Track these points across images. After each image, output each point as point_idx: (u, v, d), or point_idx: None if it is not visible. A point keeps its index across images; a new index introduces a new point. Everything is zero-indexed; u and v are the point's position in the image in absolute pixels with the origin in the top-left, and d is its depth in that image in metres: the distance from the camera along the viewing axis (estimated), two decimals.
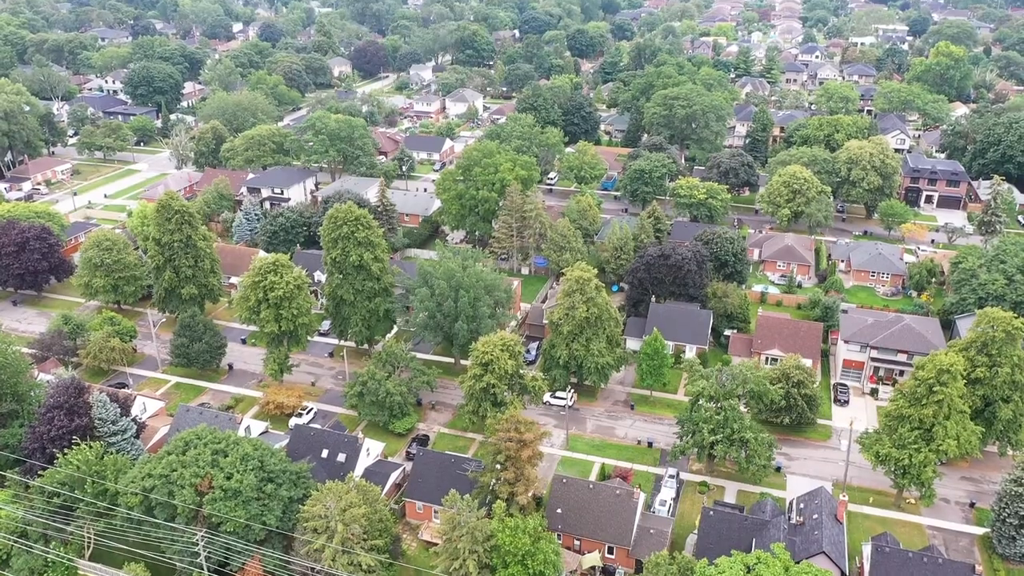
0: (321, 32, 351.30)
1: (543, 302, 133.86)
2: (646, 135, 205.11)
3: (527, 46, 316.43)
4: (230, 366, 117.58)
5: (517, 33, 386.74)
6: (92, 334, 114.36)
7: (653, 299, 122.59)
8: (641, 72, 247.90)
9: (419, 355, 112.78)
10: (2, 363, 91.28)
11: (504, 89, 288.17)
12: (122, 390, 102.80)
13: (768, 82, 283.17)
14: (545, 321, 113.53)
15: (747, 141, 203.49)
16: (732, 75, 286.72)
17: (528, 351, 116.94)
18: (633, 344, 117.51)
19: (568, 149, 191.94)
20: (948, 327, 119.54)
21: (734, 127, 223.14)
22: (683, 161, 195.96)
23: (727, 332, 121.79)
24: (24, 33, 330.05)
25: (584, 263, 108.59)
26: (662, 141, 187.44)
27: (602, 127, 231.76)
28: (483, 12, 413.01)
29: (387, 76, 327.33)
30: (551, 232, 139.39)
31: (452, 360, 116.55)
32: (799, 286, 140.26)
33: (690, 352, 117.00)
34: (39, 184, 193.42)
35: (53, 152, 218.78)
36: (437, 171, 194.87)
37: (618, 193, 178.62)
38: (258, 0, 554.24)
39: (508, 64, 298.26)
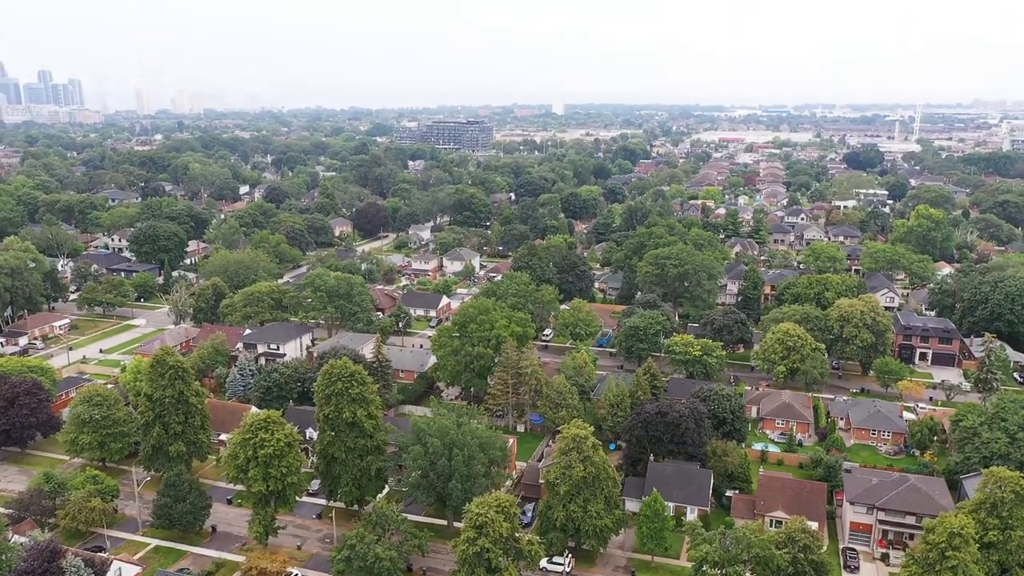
0: (324, 194, 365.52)
1: (539, 460, 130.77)
2: (640, 293, 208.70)
3: (523, 208, 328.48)
4: (213, 528, 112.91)
5: (513, 196, 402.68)
6: (73, 493, 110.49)
7: (652, 458, 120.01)
8: (633, 232, 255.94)
9: (411, 516, 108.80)
10: None
11: (500, 248, 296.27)
12: (98, 554, 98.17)
13: (756, 242, 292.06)
14: (541, 481, 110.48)
15: (739, 299, 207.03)
16: (722, 236, 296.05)
17: (524, 512, 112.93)
18: (632, 505, 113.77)
19: (563, 306, 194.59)
20: (954, 487, 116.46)
21: (725, 285, 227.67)
22: (677, 318, 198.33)
23: (728, 493, 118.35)
24: (38, 194, 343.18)
25: (580, 420, 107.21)
26: (656, 299, 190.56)
27: (596, 285, 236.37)
28: (481, 176, 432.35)
29: (387, 236, 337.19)
30: (547, 389, 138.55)
31: (445, 522, 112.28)
32: (799, 445, 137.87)
33: (691, 514, 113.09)
34: (36, 339, 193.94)
35: (53, 307, 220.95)
36: (433, 327, 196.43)
37: (613, 350, 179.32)
38: (265, 165, 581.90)
39: (504, 225, 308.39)
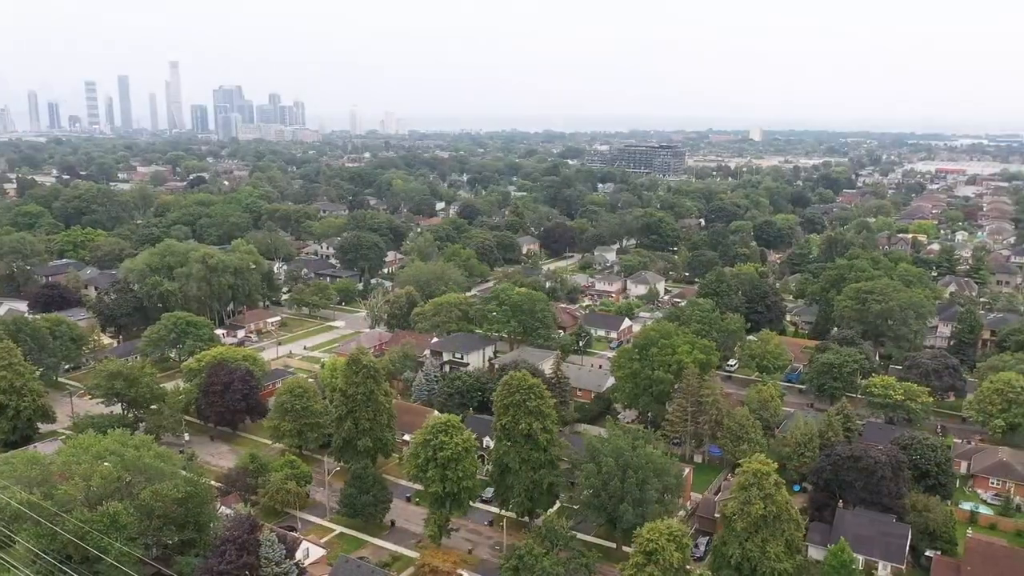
0: (514, 213, 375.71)
1: (716, 494, 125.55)
2: (836, 328, 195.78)
3: (712, 234, 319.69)
4: (392, 522, 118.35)
5: (703, 221, 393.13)
6: (272, 475, 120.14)
7: (840, 504, 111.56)
8: (832, 264, 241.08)
9: (580, 535, 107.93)
10: (192, 492, 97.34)
11: (687, 274, 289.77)
12: (290, 533, 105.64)
13: (976, 282, 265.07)
14: (717, 515, 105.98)
15: (951, 343, 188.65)
16: (934, 273, 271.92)
17: (697, 546, 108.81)
18: (815, 553, 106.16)
19: (750, 337, 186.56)
20: None
21: (936, 327, 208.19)
22: (877, 358, 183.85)
23: (929, 553, 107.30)
24: (262, 203, 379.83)
25: (763, 456, 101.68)
26: (854, 335, 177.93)
27: (788, 317, 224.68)
28: (670, 200, 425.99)
29: (572, 256, 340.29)
30: (728, 420, 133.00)
31: (614, 544, 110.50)
32: (1017, 509, 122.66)
33: (883, 570, 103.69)
34: (251, 332, 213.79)
35: (268, 305, 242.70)
36: (613, 349, 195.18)
37: (803, 386, 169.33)
38: (461, 183, 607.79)
39: (692, 250, 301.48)
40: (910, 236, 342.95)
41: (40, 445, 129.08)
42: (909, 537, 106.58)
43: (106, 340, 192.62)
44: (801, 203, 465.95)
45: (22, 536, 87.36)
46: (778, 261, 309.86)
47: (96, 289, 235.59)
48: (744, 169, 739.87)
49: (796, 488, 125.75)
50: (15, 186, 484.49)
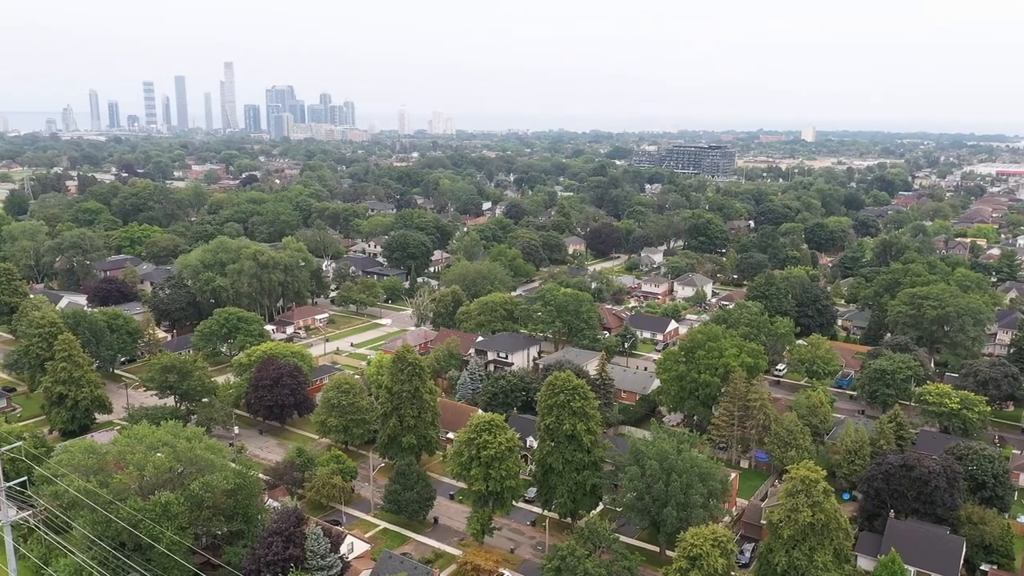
0: (561, 213, 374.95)
1: (762, 500, 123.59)
2: (889, 334, 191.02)
3: (762, 236, 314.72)
4: (436, 519, 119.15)
5: (752, 223, 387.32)
6: (319, 469, 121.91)
7: (892, 514, 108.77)
8: (886, 268, 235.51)
9: (623, 537, 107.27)
10: (241, 485, 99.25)
11: (735, 276, 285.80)
12: (335, 527, 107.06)
13: None
14: (763, 521, 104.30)
15: (1011, 351, 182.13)
16: (994, 278, 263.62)
17: (742, 552, 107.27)
18: (865, 563, 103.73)
19: (800, 341, 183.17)
20: None
21: (995, 334, 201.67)
22: (932, 365, 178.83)
23: (984, 567, 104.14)
24: (311, 201, 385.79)
25: (812, 463, 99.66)
26: (907, 341, 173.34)
27: (839, 322, 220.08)
28: (719, 202, 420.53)
29: (618, 257, 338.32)
30: (776, 426, 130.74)
31: (657, 548, 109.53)
32: None
33: None
34: (300, 329, 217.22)
35: (316, 302, 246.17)
36: (659, 351, 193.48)
37: (854, 393, 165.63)
38: (507, 183, 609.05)
39: (741, 252, 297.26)
40: (968, 240, 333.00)
41: (97, 435, 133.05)
42: (963, 550, 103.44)
43: (160, 334, 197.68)
44: (854, 205, 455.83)
45: (79, 522, 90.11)
46: (830, 264, 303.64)
47: (151, 284, 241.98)
48: (795, 170, 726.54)
49: (846, 496, 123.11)
50: (76, 183, 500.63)
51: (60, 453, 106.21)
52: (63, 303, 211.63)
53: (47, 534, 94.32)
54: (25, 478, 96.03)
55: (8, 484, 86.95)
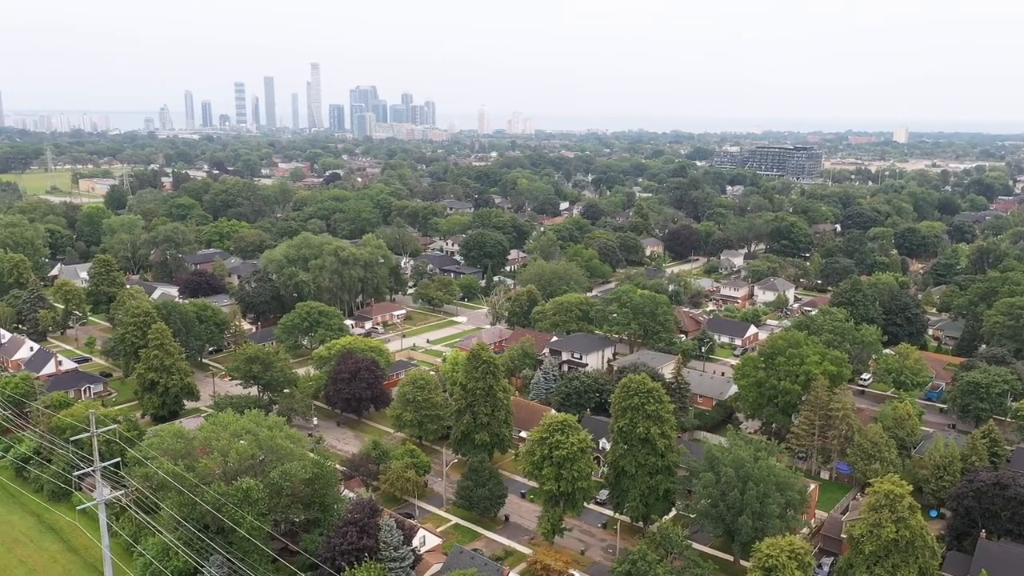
0: (639, 214, 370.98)
1: (843, 513, 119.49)
2: (984, 345, 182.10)
3: (849, 240, 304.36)
4: (506, 517, 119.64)
5: (838, 227, 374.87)
6: (393, 463, 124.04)
7: (983, 534, 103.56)
8: (982, 277, 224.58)
9: (695, 544, 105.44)
10: (319, 474, 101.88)
11: (819, 282, 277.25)
12: (408, 520, 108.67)
13: None
14: (843, 535, 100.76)
15: None
16: None
17: (820, 566, 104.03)
18: None
19: (887, 350, 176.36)
20: None
21: None
22: None
23: None
24: (392, 200, 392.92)
25: (897, 477, 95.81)
26: (1005, 354, 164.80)
27: (930, 331, 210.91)
28: (803, 205, 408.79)
29: (697, 259, 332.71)
30: (859, 437, 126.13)
31: (731, 558, 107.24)
32: None
33: None
34: (378, 324, 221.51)
35: (394, 299, 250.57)
36: (738, 356, 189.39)
37: (944, 406, 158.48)
38: (585, 183, 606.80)
39: (826, 257, 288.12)
40: None
41: (185, 421, 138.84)
42: None
43: (246, 326, 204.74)
44: (949, 210, 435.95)
45: (167, 503, 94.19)
46: (921, 271, 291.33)
47: (238, 278, 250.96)
48: (886, 173, 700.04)
49: (933, 514, 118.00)
50: (171, 180, 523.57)
51: (151, 437, 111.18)
52: (156, 294, 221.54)
53: (137, 513, 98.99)
54: (119, 459, 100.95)
55: (103, 464, 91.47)
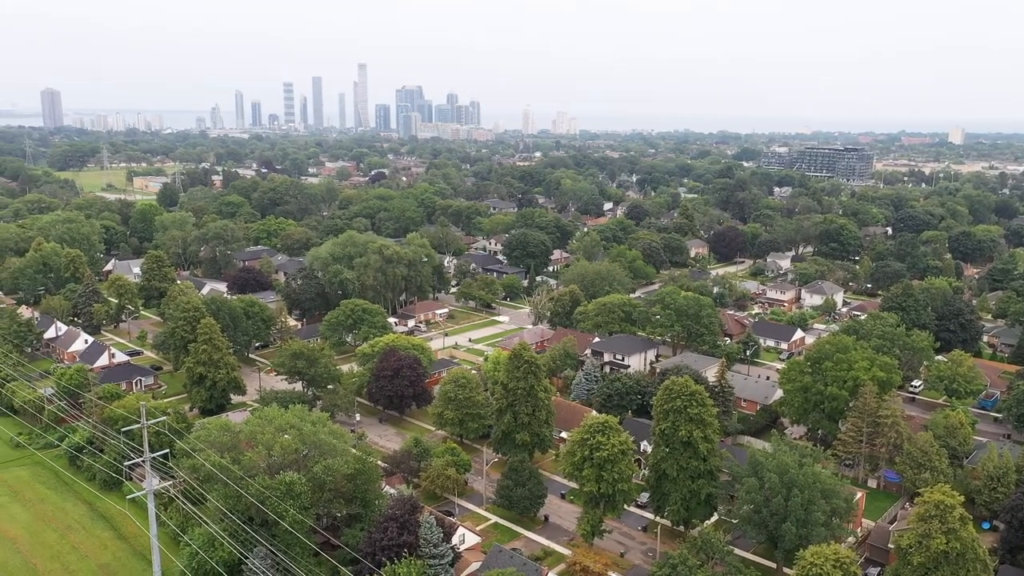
0: (683, 215, 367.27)
1: (891, 523, 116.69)
2: None
3: (900, 244, 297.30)
4: (546, 517, 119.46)
5: (890, 230, 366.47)
6: (434, 460, 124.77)
7: None
8: None
9: (737, 550, 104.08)
10: (361, 470, 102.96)
11: (869, 286, 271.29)
12: (448, 517, 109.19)
13: None
14: (891, 545, 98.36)
15: None
16: None
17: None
18: None
19: (939, 357, 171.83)
20: None
21: None
22: None
23: None
24: (435, 199, 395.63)
25: (948, 487, 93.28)
26: None
27: (985, 338, 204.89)
28: (853, 207, 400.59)
29: (743, 261, 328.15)
30: (909, 445, 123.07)
31: (774, 565, 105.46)
32: None
33: None
34: (420, 322, 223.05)
35: (437, 297, 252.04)
36: (783, 360, 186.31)
37: (999, 415, 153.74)
38: (629, 183, 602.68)
39: (876, 260, 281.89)
40: None
41: (231, 414, 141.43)
42: None
43: (292, 322, 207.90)
44: (1007, 213, 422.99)
45: (213, 495, 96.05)
46: (976, 276, 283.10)
47: (285, 275, 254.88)
48: (940, 175, 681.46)
49: (986, 526, 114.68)
50: (221, 178, 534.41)
51: (198, 430, 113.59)
52: (206, 289, 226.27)
53: (184, 504, 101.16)
54: (167, 451, 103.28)
55: (153, 455, 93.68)
